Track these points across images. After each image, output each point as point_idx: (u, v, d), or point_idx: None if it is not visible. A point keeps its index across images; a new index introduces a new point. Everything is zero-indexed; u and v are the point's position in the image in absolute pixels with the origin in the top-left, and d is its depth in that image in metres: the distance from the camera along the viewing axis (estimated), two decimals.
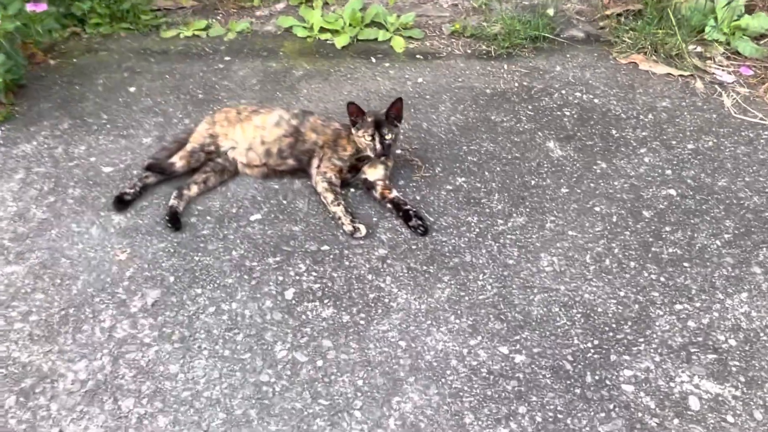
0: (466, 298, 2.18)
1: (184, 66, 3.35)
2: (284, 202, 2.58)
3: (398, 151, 2.79)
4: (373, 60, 3.34)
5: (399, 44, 3.40)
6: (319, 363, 1.98)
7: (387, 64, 3.31)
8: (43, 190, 2.62)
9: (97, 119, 2.99)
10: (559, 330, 2.07)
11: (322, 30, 3.49)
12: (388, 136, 2.49)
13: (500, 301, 2.17)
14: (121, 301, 2.18)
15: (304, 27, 3.52)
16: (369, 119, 2.50)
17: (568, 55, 3.43)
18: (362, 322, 2.10)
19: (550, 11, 3.52)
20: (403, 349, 2.02)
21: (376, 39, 3.44)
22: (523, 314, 2.12)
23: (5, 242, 2.41)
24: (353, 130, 2.54)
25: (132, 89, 3.20)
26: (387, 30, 3.46)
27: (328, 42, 3.46)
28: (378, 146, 2.47)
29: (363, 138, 2.50)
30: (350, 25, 3.49)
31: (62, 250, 2.38)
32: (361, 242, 2.38)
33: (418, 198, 2.57)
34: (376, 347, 2.02)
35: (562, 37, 3.51)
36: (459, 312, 2.13)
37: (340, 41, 3.41)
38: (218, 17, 3.64)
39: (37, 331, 2.07)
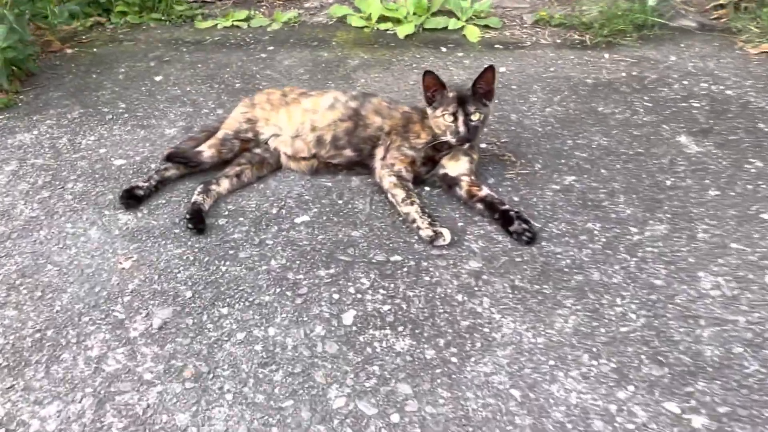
0: (602, 330, 1.52)
1: (220, 56, 2.85)
2: (339, 202, 1.98)
3: (482, 145, 2.18)
4: (444, 49, 2.78)
5: (473, 33, 2.85)
6: (395, 418, 1.33)
7: (460, 54, 2.75)
8: (36, 184, 2.08)
9: (113, 108, 2.47)
10: (751, 380, 1.39)
11: (381, 20, 2.97)
12: (475, 117, 1.89)
13: (653, 335, 1.50)
14: (117, 321, 1.58)
15: (361, 17, 3.00)
16: (450, 94, 1.92)
17: (682, 45, 2.83)
18: (454, 359, 1.45)
19: (652, 1, 2.95)
20: (518, 401, 1.36)
21: (445, 28, 2.90)
22: (691, 355, 1.45)
23: None
24: (429, 110, 1.96)
25: (158, 78, 2.69)
26: (458, 18, 2.93)
27: (388, 32, 2.94)
28: (462, 128, 1.88)
29: (442, 118, 1.91)
30: (414, 13, 2.96)
31: (49, 255, 1.81)
32: (445, 252, 1.76)
33: (516, 199, 1.95)
34: (476, 397, 1.37)
35: (671, 26, 2.93)
36: (595, 350, 1.46)
37: (403, 30, 2.88)
38: (261, 9, 3.16)
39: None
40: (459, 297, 1.61)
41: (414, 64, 2.69)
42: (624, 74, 2.59)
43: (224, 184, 2.01)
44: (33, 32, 2.73)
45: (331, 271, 1.71)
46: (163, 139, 2.28)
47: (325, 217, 1.92)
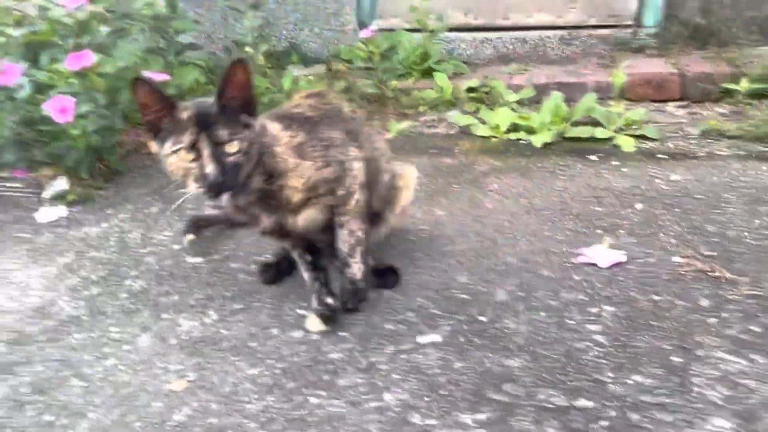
0: None
1: None
2: (481, 319, 1.39)
3: (676, 258, 1.57)
4: (593, 158, 2.29)
5: (628, 143, 2.36)
6: None
7: (615, 162, 2.24)
8: (87, 279, 1.64)
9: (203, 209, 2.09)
10: None
11: (511, 129, 2.56)
12: (232, 147, 1.22)
13: None
14: None
15: (487, 126, 2.61)
16: (184, 115, 1.22)
17: None
18: None
19: None
20: None
21: (590, 138, 2.43)
22: None
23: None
24: (153, 145, 1.28)
25: None
26: (605, 128, 2.46)
27: (520, 141, 2.50)
28: (210, 169, 1.20)
29: (175, 157, 1.22)
30: (551, 122, 2.54)
31: (78, 366, 1.30)
32: (666, 400, 1.10)
33: (756, 329, 1.28)
34: None
35: None
36: None
37: (540, 139, 2.44)
38: (375, 120, 2.85)
39: None
40: None
41: (558, 171, 2.19)
42: None
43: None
44: (126, 133, 2.49)
45: (482, 416, 1.09)
46: (249, 235, 1.83)
47: (462, 338, 1.32)
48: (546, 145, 2.42)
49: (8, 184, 2.29)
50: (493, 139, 2.54)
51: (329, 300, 1.42)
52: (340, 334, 1.37)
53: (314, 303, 1.43)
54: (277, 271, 1.63)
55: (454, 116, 2.73)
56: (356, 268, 1.47)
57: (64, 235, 1.89)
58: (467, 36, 3.63)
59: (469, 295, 1.50)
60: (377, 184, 1.56)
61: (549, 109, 2.57)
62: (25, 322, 1.47)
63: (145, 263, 1.71)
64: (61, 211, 2.05)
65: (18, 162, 2.28)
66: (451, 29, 3.49)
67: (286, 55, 3.66)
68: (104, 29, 2.24)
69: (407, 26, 3.65)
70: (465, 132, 2.64)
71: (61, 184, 2.18)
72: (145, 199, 2.14)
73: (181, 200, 1.31)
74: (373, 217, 1.56)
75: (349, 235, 1.45)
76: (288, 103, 1.64)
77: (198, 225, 1.87)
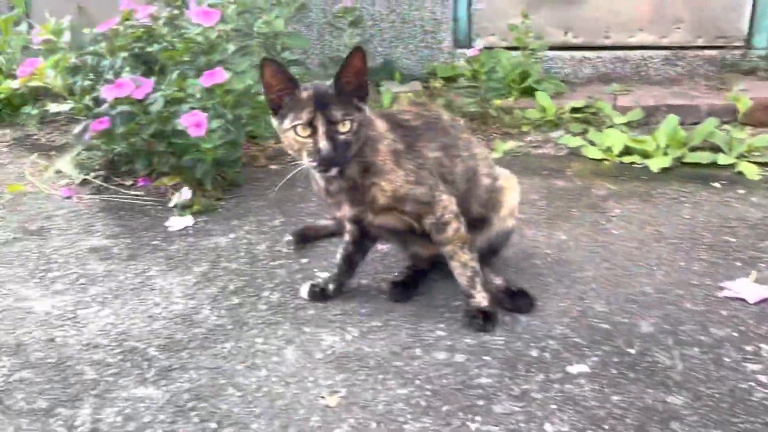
0: None
1: None
2: (629, 351, 1.36)
3: None
4: (716, 185, 2.22)
5: (751, 171, 2.27)
6: None
7: (741, 191, 2.16)
8: (226, 289, 1.70)
9: (316, 220, 2.14)
10: None
11: (624, 153, 2.51)
12: (344, 126, 1.35)
13: None
14: None
15: (598, 149, 2.56)
16: (304, 95, 1.36)
17: None
18: None
19: None
20: None
21: (711, 163, 2.36)
22: None
23: (150, 351, 1.45)
24: (273, 121, 1.43)
25: None
26: (726, 154, 2.38)
27: (634, 165, 2.44)
28: (324, 145, 1.33)
29: (293, 132, 1.36)
30: (667, 146, 2.47)
31: (232, 375, 1.35)
32: None
33: None
34: None
35: None
36: None
37: (657, 163, 2.38)
38: (477, 139, 2.86)
39: None
40: None
41: (682, 197, 2.13)
42: None
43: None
44: (242, 147, 2.58)
45: None
46: (374, 253, 1.86)
47: (613, 370, 1.30)
48: (663, 170, 2.36)
49: (134, 192, 2.41)
50: (606, 162, 2.50)
51: (330, 286, 1.62)
52: (484, 358, 1.37)
53: (321, 277, 1.65)
54: (407, 289, 1.65)
55: (563, 137, 2.69)
56: (480, 297, 1.50)
57: (195, 245, 1.97)
58: (565, 54, 3.59)
59: (609, 324, 1.47)
60: (476, 188, 1.59)
61: (665, 132, 2.51)
62: (173, 329, 1.53)
63: (278, 276, 1.76)
64: (188, 220, 2.14)
65: (145, 171, 2.41)
66: (549, 47, 3.47)
67: (379, 71, 3.72)
68: (231, 47, 2.33)
69: (504, 44, 3.65)
70: (574, 153, 2.61)
71: (186, 194, 2.27)
72: (266, 211, 2.20)
73: (292, 173, 1.45)
74: (477, 222, 1.59)
75: (462, 267, 1.50)
76: (395, 107, 1.70)
77: (305, 234, 1.94)
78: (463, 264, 1.49)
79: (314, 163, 1.35)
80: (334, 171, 1.37)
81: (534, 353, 1.38)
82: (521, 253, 1.82)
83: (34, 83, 2.12)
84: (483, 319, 1.47)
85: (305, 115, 1.33)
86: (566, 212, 2.08)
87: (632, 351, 1.36)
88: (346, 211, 1.50)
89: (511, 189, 1.67)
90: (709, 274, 1.66)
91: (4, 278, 1.81)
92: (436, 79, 3.48)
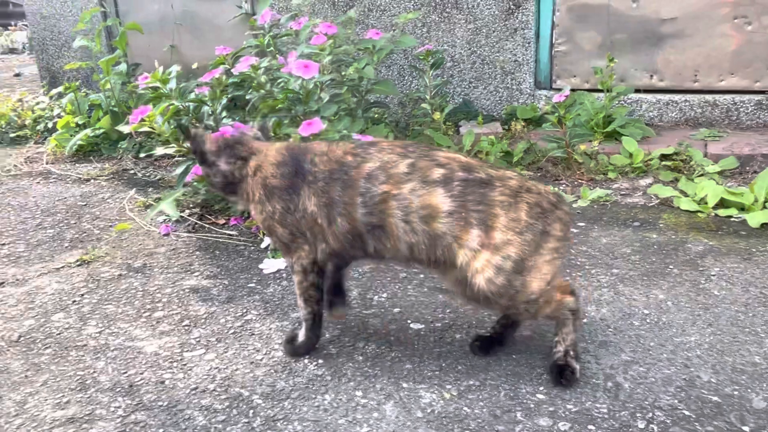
0: None
1: None
2: (744, 429, 1.30)
3: None
4: None
5: None
6: None
7: None
8: (323, 338, 1.74)
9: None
10: None
11: (719, 204, 2.43)
12: None
13: None
14: None
15: (692, 200, 2.49)
16: None
17: None
18: None
19: None
20: None
21: None
22: None
23: (255, 398, 1.50)
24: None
25: None
26: None
27: (731, 219, 2.36)
28: None
29: None
30: (766, 200, 2.38)
31: (335, 429, 1.37)
32: None
33: None
34: None
35: None
36: None
37: (756, 218, 2.29)
38: (561, 186, 2.82)
39: None
40: None
41: None
42: None
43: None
44: None
45: None
46: (466, 307, 1.86)
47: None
48: (763, 225, 2.27)
49: (227, 232, 2.51)
50: (700, 215, 2.42)
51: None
52: (589, 427, 1.34)
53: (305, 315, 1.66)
54: (491, 344, 1.64)
55: (653, 187, 2.63)
56: (574, 365, 1.52)
57: (289, 289, 2.03)
58: (650, 97, 3.52)
59: (719, 397, 1.42)
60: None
61: (764, 184, 2.42)
62: (275, 377, 1.58)
63: (372, 325, 1.79)
64: (280, 263, 2.20)
65: (238, 212, 2.51)
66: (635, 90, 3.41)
67: (458, 111, 3.75)
68: (325, 96, 2.42)
69: (587, 86, 3.62)
70: (665, 204, 2.55)
71: None
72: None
73: None
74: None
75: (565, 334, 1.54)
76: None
77: None
78: (564, 335, 1.54)
79: None
80: None
81: (641, 425, 1.34)
82: (618, 312, 1.79)
83: (144, 128, 2.25)
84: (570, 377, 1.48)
85: None
86: (662, 269, 2.02)
87: (747, 429, 1.31)
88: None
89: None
90: None
91: (113, 316, 1.92)
92: (517, 121, 3.49)
